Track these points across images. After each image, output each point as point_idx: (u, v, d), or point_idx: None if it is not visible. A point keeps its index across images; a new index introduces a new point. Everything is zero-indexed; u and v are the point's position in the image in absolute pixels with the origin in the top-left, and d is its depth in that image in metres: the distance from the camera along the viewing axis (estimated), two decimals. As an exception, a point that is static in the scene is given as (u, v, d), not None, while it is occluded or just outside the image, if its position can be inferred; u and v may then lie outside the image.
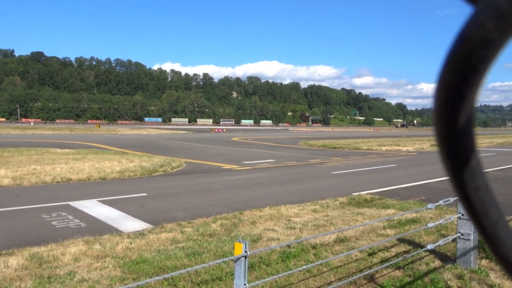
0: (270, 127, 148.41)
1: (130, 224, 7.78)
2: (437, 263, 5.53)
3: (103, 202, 9.68)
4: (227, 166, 17.60)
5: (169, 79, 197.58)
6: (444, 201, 5.17)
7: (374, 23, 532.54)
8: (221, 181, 13.44)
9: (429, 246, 5.09)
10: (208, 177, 14.24)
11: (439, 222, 5.26)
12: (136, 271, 5.08)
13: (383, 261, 5.50)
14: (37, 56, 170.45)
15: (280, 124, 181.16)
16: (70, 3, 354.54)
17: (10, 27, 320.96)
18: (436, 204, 5.20)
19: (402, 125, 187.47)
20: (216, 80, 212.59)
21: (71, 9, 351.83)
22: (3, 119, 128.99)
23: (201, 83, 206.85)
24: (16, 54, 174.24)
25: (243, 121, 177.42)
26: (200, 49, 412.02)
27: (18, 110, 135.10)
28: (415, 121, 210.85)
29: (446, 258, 5.69)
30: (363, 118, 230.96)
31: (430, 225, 5.18)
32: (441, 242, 5.16)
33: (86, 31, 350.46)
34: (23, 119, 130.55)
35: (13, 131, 52.72)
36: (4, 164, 15.35)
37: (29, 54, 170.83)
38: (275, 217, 8.17)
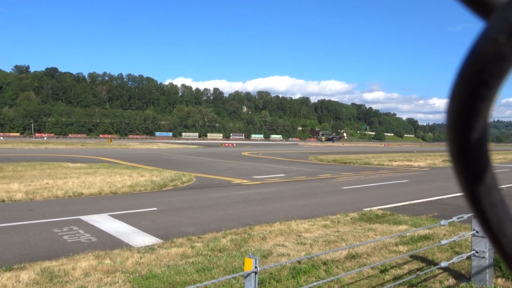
0: (280, 142, 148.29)
1: (140, 238, 7.79)
2: (451, 281, 5.42)
3: (114, 216, 9.72)
4: (237, 181, 17.59)
5: (180, 93, 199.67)
6: (458, 218, 5.09)
7: (386, 38, 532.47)
8: (231, 195, 13.42)
9: (443, 264, 5.00)
10: (218, 192, 14.23)
11: (452, 239, 5.17)
12: (146, 286, 5.06)
13: (395, 278, 5.40)
14: (52, 72, 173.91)
15: (290, 139, 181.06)
16: (84, 21, 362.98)
17: (26, 44, 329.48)
18: (450, 220, 5.12)
19: (328, 139, 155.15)
20: (226, 95, 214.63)
21: (85, 26, 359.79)
22: (18, 134, 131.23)
23: (212, 97, 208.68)
24: (31, 70, 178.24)
25: (253, 135, 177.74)
26: (212, 64, 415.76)
27: (32, 125, 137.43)
28: (344, 134, 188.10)
29: (460, 276, 5.57)
30: (373, 133, 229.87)
31: (443, 242, 5.09)
32: (455, 259, 5.05)
33: (99, 47, 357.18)
34: (37, 134, 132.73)
35: (27, 145, 53.46)
36: (18, 179, 15.56)
37: (43, 69, 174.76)
38: (285, 232, 8.10)
